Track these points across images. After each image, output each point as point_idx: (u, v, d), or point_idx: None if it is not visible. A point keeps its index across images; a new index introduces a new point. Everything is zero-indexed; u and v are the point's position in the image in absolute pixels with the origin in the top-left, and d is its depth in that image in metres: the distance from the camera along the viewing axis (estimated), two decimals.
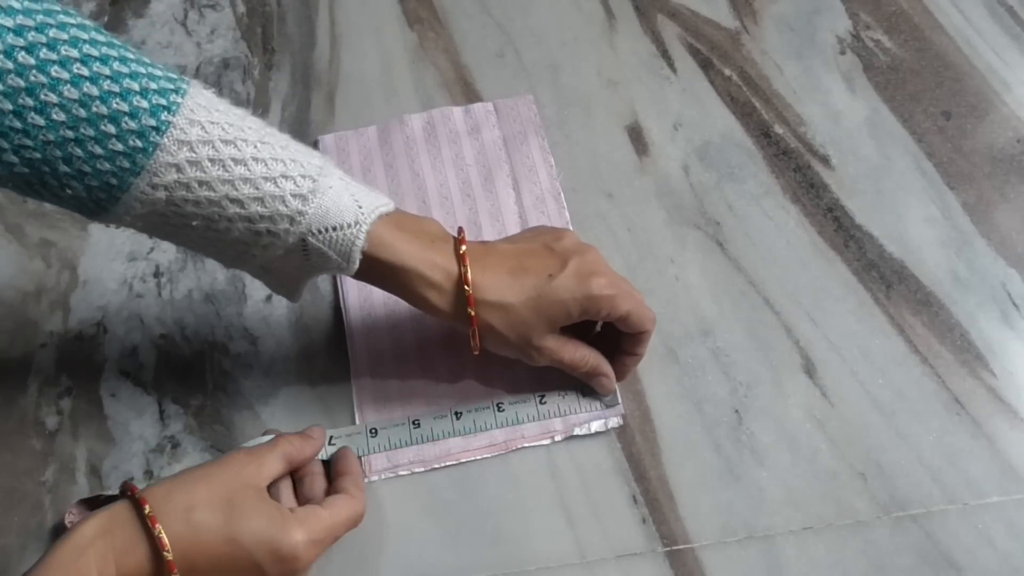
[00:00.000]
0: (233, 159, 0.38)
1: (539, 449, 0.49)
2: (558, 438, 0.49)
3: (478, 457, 0.49)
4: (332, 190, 0.40)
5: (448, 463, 0.48)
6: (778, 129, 0.60)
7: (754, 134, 0.60)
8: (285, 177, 0.39)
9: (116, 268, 0.55)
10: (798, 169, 0.59)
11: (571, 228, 0.56)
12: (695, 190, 0.58)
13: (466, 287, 0.43)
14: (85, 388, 0.51)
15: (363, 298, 0.53)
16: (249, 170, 0.38)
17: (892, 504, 0.47)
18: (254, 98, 0.62)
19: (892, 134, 0.60)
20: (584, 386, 0.50)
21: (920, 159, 0.59)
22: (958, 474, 0.48)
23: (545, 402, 0.50)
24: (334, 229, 0.40)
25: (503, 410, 0.50)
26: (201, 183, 0.37)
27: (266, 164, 0.39)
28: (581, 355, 0.47)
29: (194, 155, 0.37)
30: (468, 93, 0.62)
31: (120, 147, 0.36)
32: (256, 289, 0.54)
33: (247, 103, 0.62)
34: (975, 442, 0.49)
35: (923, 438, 0.49)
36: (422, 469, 0.48)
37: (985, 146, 0.59)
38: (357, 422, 0.50)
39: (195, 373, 0.52)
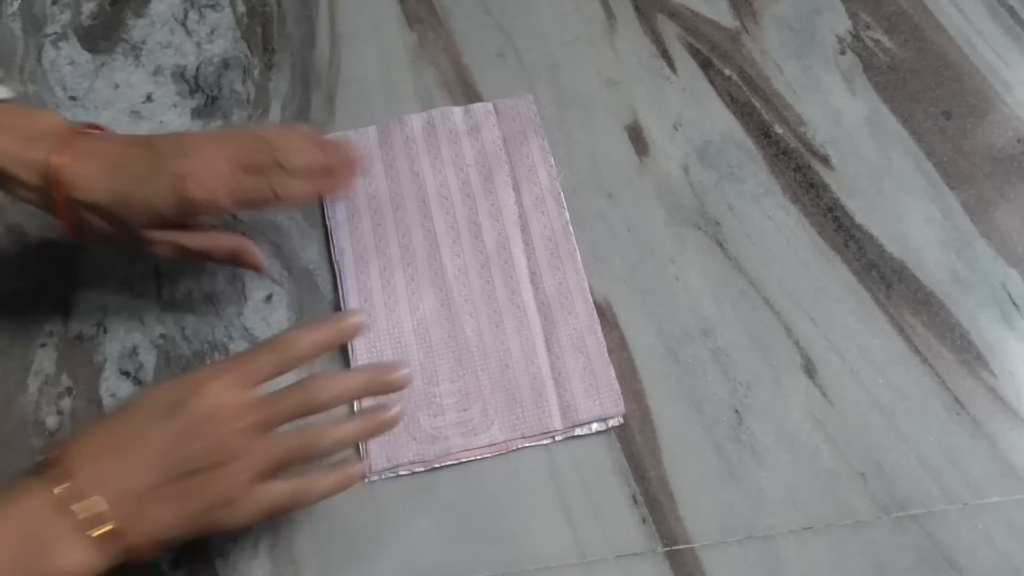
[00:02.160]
0: None
1: (539, 449, 0.49)
2: (558, 438, 0.49)
3: (478, 457, 0.49)
4: None
5: (448, 463, 0.48)
6: (778, 129, 0.60)
7: (754, 134, 0.60)
8: None
9: (116, 268, 0.55)
10: (798, 169, 0.59)
11: (570, 229, 0.56)
12: (695, 190, 0.58)
13: (57, 182, 0.43)
14: (85, 388, 0.51)
15: (363, 299, 0.53)
16: None
17: (892, 504, 0.47)
18: (254, 98, 0.62)
19: (892, 134, 0.60)
20: (586, 386, 0.50)
21: (920, 159, 0.59)
22: (958, 474, 0.48)
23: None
24: None
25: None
26: None
27: None
28: (204, 238, 0.48)
29: None
30: (468, 93, 0.62)
31: None
32: (256, 289, 0.54)
33: (247, 103, 0.62)
34: (975, 442, 0.49)
35: (923, 438, 0.49)
36: (422, 469, 0.48)
37: (985, 146, 0.59)
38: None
39: None
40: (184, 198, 0.44)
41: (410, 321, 0.53)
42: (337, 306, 0.54)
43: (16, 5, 0.65)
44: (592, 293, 0.54)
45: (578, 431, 0.49)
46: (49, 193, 0.44)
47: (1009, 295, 0.53)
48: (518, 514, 0.47)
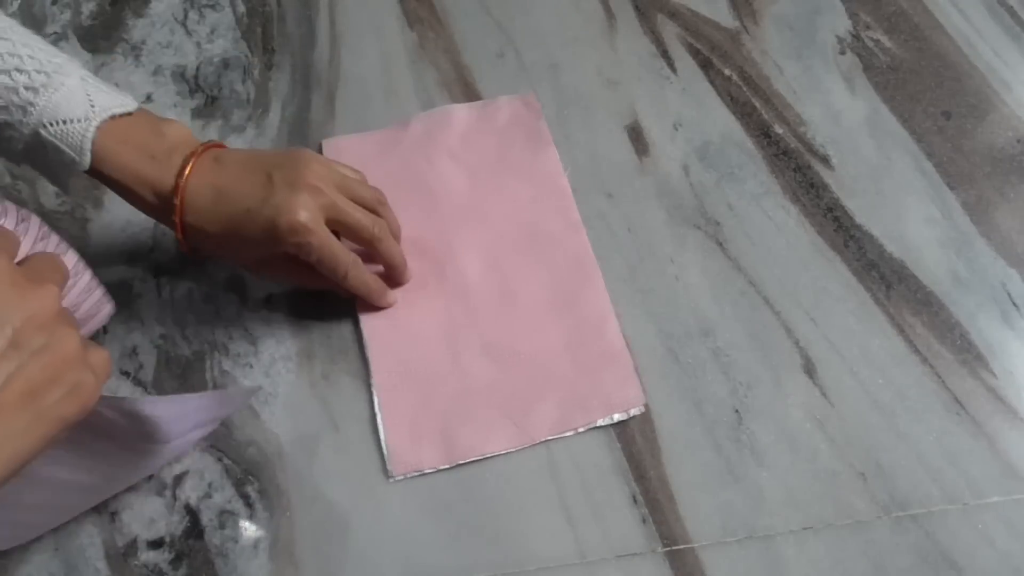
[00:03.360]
0: None
1: (539, 449, 0.49)
2: (581, 429, 0.49)
3: (501, 452, 0.49)
4: (65, 87, 0.43)
5: (473, 459, 0.48)
6: (778, 129, 0.60)
7: (754, 134, 0.60)
8: (19, 71, 0.42)
9: (116, 268, 0.55)
10: (798, 169, 0.59)
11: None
12: (695, 190, 0.58)
13: (174, 219, 0.46)
14: None
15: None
16: None
17: (892, 504, 0.47)
18: (254, 98, 0.62)
19: (892, 134, 0.60)
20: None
21: (920, 159, 0.59)
22: (958, 474, 0.48)
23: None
24: (64, 122, 0.43)
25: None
26: None
27: (1, 59, 0.42)
28: (319, 281, 0.50)
29: None
30: (468, 93, 0.62)
31: None
32: (256, 289, 0.54)
33: (247, 103, 0.62)
34: (975, 442, 0.49)
35: (923, 438, 0.49)
36: (447, 466, 0.48)
37: (985, 146, 0.59)
38: (382, 433, 0.49)
39: (195, 373, 0.52)
40: (281, 240, 0.46)
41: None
42: (346, 308, 0.54)
43: (16, 5, 0.65)
44: None
45: (601, 422, 0.49)
46: (167, 212, 0.46)
47: (1009, 295, 0.53)
48: (518, 514, 0.47)
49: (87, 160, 0.44)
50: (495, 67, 0.63)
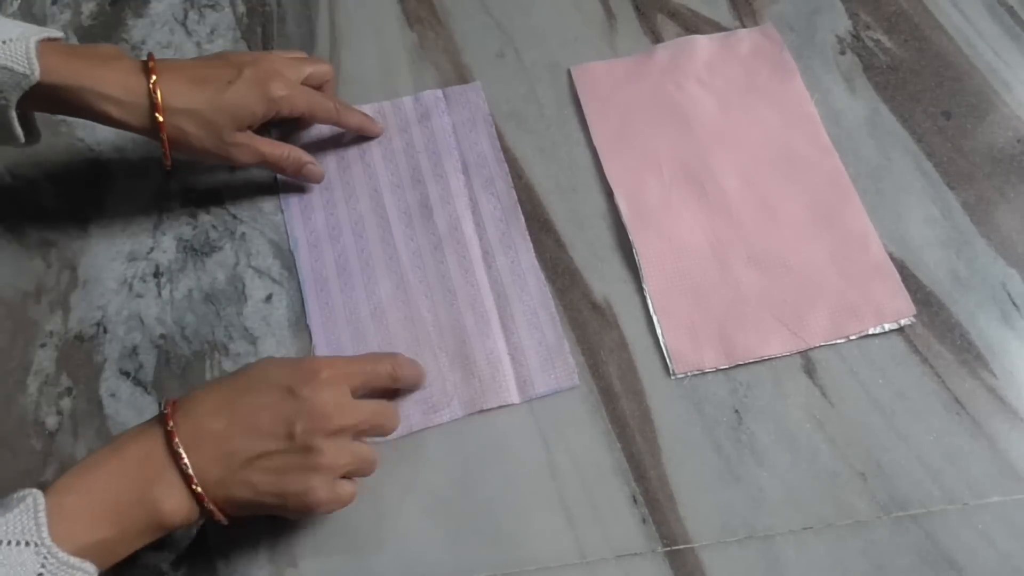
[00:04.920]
0: None
1: (539, 449, 0.49)
2: (853, 336, 0.52)
3: (778, 355, 0.51)
4: None
5: (752, 360, 0.51)
6: None
7: None
8: None
9: (116, 268, 0.55)
10: None
11: (519, 209, 0.56)
12: None
13: (155, 95, 0.47)
14: (85, 388, 0.51)
15: (319, 287, 0.54)
16: None
17: (892, 504, 0.47)
18: None
19: (892, 134, 0.60)
20: (541, 360, 0.51)
21: (920, 159, 0.59)
22: (958, 474, 0.48)
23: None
24: (3, 43, 0.43)
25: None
26: None
27: None
28: (280, 149, 0.54)
29: None
30: None
31: None
32: (256, 289, 0.54)
33: None
34: (975, 442, 0.49)
35: (923, 438, 0.49)
36: (728, 366, 0.51)
37: (985, 146, 0.59)
38: (660, 335, 0.52)
39: (195, 373, 0.52)
40: (270, 96, 0.51)
41: (367, 306, 0.53)
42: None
43: (16, 5, 0.65)
44: (592, 293, 0.54)
45: (872, 329, 0.52)
46: (142, 106, 0.48)
47: (1009, 295, 0.53)
48: (518, 514, 0.47)
49: (36, 70, 0.44)
50: (495, 67, 0.63)
